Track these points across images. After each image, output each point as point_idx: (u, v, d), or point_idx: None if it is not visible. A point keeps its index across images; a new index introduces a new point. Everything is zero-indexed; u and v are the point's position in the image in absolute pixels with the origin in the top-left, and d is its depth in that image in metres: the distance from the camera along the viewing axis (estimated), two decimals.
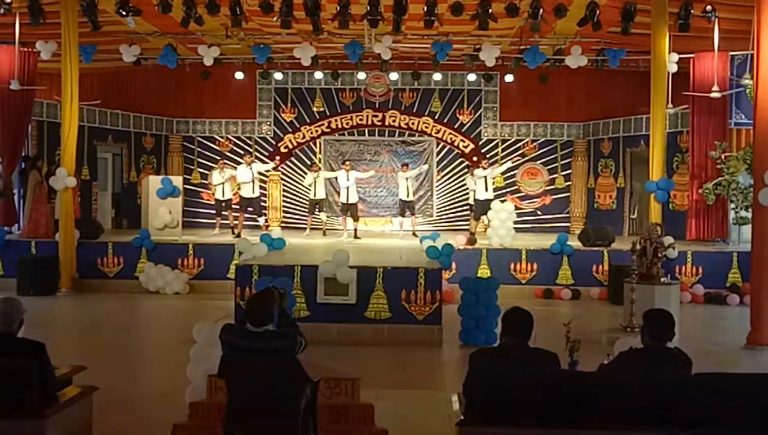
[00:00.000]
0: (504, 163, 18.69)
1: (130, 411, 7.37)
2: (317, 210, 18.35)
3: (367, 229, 19.46)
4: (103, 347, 10.33)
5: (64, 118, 14.88)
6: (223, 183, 17.82)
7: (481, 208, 16.83)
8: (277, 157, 20.07)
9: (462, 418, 4.82)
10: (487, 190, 17.04)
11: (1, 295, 5.60)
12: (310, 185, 18.20)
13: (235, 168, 18.24)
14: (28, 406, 4.80)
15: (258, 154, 20.43)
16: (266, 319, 5.10)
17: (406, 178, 18.22)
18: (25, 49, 16.14)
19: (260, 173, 18.42)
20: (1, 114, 16.21)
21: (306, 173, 18.91)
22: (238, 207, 17.88)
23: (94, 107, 18.72)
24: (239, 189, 17.89)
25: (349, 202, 17.78)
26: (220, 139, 20.93)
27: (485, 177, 17.02)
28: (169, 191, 16.74)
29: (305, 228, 18.51)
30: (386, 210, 20.47)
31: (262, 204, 19.50)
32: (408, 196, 18.30)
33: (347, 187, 17.69)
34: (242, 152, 20.45)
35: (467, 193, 19.45)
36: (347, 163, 18.36)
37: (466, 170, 20.09)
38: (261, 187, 19.94)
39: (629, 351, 5.23)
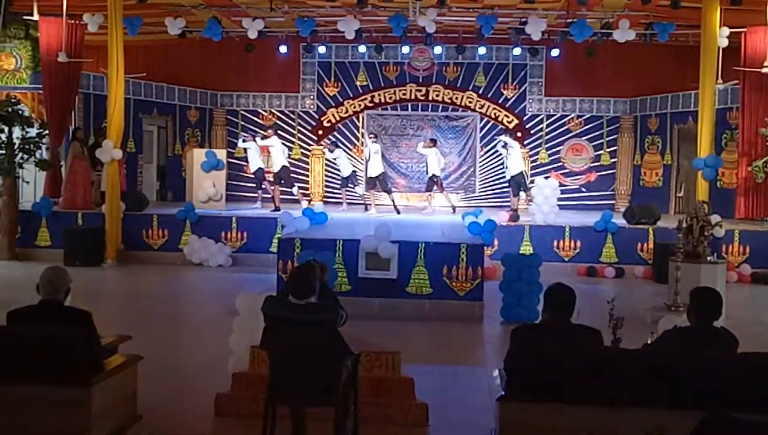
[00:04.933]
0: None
1: (174, 380, 7.46)
2: (350, 184, 18.34)
3: (409, 204, 19.40)
4: (148, 317, 10.47)
5: (110, 91, 15.06)
6: (245, 150, 17.91)
7: (515, 183, 16.75)
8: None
9: (503, 393, 4.80)
10: (506, 166, 17.00)
11: (49, 265, 5.67)
12: (335, 159, 18.27)
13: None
14: (74, 374, 4.87)
15: (302, 129, 20.55)
16: (308, 291, 5.13)
17: (436, 154, 18.11)
18: (73, 22, 16.31)
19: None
20: (49, 86, 16.44)
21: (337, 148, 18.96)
22: (272, 181, 17.89)
23: (140, 80, 18.88)
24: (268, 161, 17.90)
25: (373, 175, 17.79)
26: (263, 112, 20.98)
27: (506, 148, 16.96)
28: (214, 164, 16.88)
29: (350, 201, 18.53)
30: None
31: (301, 177, 19.50)
32: (438, 171, 18.16)
33: (368, 161, 17.69)
34: (285, 126, 20.56)
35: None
36: (372, 135, 18.32)
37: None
38: (303, 162, 20.04)
39: (674, 329, 5.17)
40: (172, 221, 15.61)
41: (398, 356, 6.32)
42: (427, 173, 18.41)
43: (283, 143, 18.39)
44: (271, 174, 17.68)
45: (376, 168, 17.71)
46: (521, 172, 16.86)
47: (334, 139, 19.57)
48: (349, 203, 18.38)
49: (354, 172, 18.42)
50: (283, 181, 17.40)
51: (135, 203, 15.96)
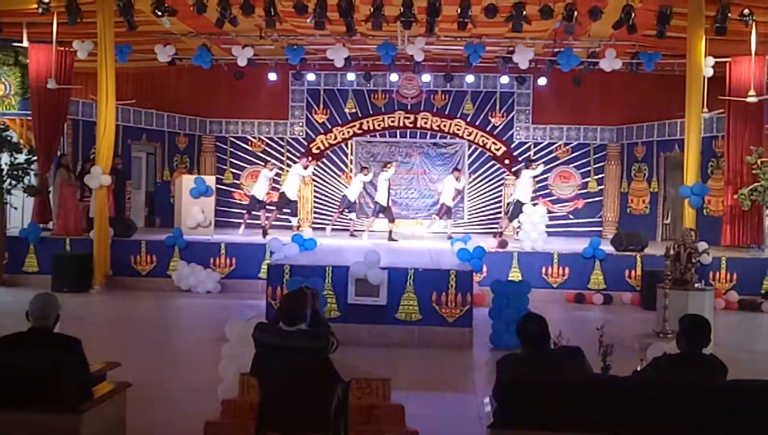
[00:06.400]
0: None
1: (163, 408, 7.42)
2: (347, 210, 18.35)
3: (398, 230, 19.43)
4: (137, 344, 10.42)
5: (99, 117, 15.05)
6: (271, 178, 17.98)
7: (520, 209, 16.74)
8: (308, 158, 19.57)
9: (493, 420, 4.80)
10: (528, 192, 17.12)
11: (36, 291, 5.66)
12: (360, 181, 18.34)
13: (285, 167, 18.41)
14: (63, 401, 4.85)
15: (291, 156, 20.56)
16: (299, 318, 5.13)
17: (454, 187, 18.30)
18: (62, 49, 16.36)
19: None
20: (38, 112, 16.43)
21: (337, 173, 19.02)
22: (275, 205, 17.97)
23: (129, 106, 18.91)
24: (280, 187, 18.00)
25: (389, 203, 17.94)
26: (252, 139, 21.03)
27: (532, 178, 17.11)
28: (202, 190, 16.89)
29: (335, 227, 18.55)
30: (417, 212, 20.45)
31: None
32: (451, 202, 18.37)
33: (388, 189, 17.81)
34: (274, 153, 20.60)
35: (499, 196, 19.64)
36: (390, 163, 18.33)
37: (498, 173, 20.26)
38: None
39: (663, 356, 5.19)
40: (160, 247, 15.57)
41: (388, 383, 6.30)
42: (439, 201, 18.85)
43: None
44: (271, 199, 17.76)
45: (386, 196, 17.85)
46: (526, 203, 16.83)
47: (366, 165, 19.56)
48: (333, 229, 18.41)
49: (356, 200, 18.52)
50: (287, 211, 17.53)
51: (123, 229, 15.92)
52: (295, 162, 19.38)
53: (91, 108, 17.26)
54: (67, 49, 16.43)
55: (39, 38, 16.15)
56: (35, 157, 16.19)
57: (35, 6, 14.07)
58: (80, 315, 11.91)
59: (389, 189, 18.02)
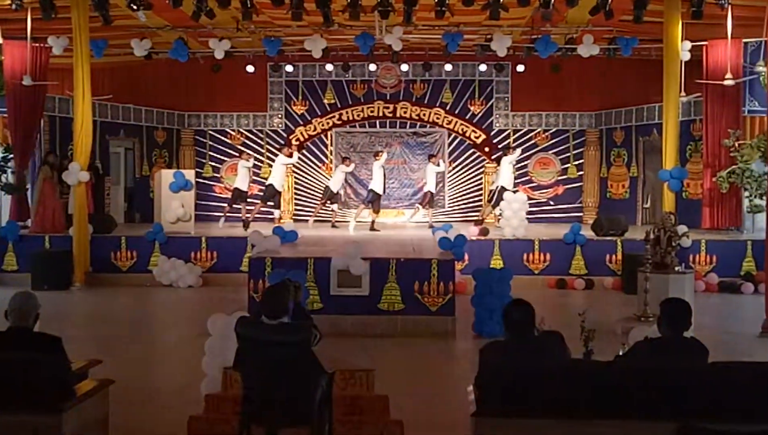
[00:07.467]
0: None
1: (146, 404, 7.40)
2: (330, 201, 18.34)
3: (379, 220, 19.42)
4: (118, 341, 10.36)
5: (76, 113, 14.93)
6: (249, 168, 18.05)
7: (500, 195, 16.76)
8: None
9: (476, 409, 4.81)
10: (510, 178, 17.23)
11: (16, 289, 5.61)
12: (342, 171, 18.52)
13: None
14: (45, 400, 4.81)
15: (270, 148, 20.48)
16: (281, 311, 5.12)
17: (435, 172, 18.37)
18: (37, 45, 16.20)
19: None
20: (14, 110, 16.28)
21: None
22: (260, 197, 18.04)
23: (106, 102, 18.76)
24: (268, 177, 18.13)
25: (384, 191, 18.13)
26: (231, 132, 20.93)
27: (512, 164, 17.21)
28: (182, 185, 16.77)
29: (317, 218, 18.52)
30: (398, 201, 20.45)
31: None
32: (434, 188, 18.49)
33: (383, 176, 17.99)
34: (254, 145, 20.52)
35: (479, 184, 19.73)
36: (381, 152, 18.35)
37: (478, 161, 20.36)
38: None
39: (645, 341, 5.22)
40: (140, 243, 15.48)
41: (372, 374, 6.32)
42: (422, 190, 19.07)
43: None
44: (252, 191, 17.82)
45: (381, 183, 17.95)
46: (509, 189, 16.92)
47: (347, 156, 19.56)
48: (315, 220, 18.39)
49: (339, 191, 18.54)
50: (271, 203, 17.59)
51: (103, 225, 15.82)
52: (275, 154, 19.32)
53: (67, 104, 17.10)
54: (42, 45, 16.26)
55: (13, 35, 15.96)
56: (12, 155, 16.02)
57: (8, 2, 13.90)
58: (61, 313, 11.84)
59: (385, 176, 18.02)
